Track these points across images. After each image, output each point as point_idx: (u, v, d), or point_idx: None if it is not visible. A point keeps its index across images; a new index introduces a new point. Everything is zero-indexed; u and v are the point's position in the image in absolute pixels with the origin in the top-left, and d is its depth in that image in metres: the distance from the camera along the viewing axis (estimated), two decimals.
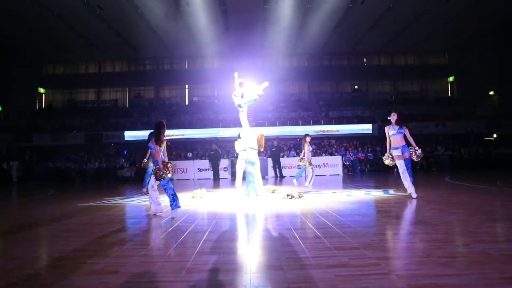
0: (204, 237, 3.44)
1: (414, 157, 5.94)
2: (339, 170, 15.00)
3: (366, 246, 2.97)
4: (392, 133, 6.05)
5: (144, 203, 6.53)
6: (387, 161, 6.18)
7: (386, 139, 6.21)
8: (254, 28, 19.42)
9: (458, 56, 24.24)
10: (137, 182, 13.20)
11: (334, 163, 15.21)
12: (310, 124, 19.78)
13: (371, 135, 18.56)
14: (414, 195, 5.91)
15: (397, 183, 10.10)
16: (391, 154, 6.11)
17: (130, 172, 15.14)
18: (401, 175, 5.93)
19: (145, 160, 8.37)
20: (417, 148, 5.97)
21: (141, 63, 25.69)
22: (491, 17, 18.91)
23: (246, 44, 21.06)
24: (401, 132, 5.99)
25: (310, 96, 25.08)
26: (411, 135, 6.03)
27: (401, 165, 5.96)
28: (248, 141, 6.63)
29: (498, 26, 19.69)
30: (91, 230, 4.02)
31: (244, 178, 7.04)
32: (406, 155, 5.95)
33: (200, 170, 15.28)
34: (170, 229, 3.93)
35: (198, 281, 2.25)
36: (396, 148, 6.00)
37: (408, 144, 6.02)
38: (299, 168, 10.20)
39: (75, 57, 24.04)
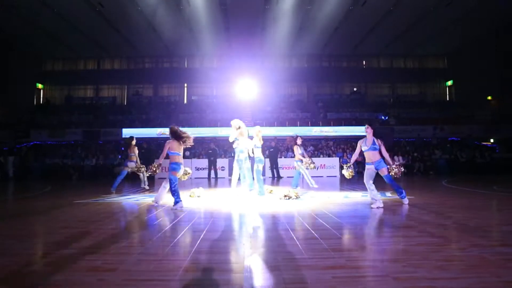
0: (201, 237, 3.43)
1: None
2: (336, 172, 15.01)
3: (363, 248, 2.98)
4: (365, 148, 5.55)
5: (142, 201, 6.51)
6: (347, 173, 5.86)
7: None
8: (254, 28, 19.41)
9: (457, 60, 24.31)
10: (135, 180, 13.16)
11: (331, 165, 15.21)
12: (308, 125, 19.78)
13: None
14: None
15: None
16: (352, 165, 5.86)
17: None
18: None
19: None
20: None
21: (140, 61, 25.59)
22: (491, 22, 18.98)
23: (246, 44, 21.03)
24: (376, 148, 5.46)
25: (309, 97, 25.08)
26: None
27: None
28: (251, 141, 6.85)
29: (497, 31, 19.78)
30: (88, 227, 4.00)
31: (240, 178, 7.05)
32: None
33: (197, 169, 15.24)
34: (167, 228, 3.92)
35: (195, 280, 2.25)
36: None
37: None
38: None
39: (74, 53, 23.90)
